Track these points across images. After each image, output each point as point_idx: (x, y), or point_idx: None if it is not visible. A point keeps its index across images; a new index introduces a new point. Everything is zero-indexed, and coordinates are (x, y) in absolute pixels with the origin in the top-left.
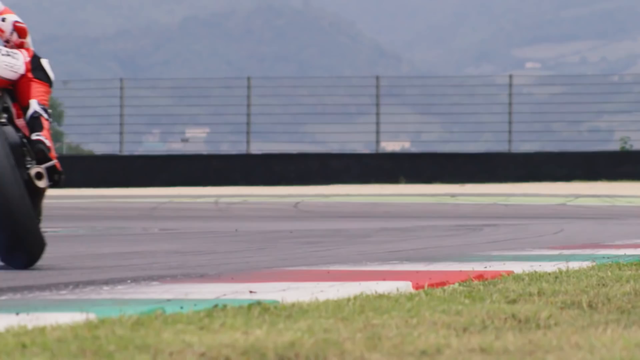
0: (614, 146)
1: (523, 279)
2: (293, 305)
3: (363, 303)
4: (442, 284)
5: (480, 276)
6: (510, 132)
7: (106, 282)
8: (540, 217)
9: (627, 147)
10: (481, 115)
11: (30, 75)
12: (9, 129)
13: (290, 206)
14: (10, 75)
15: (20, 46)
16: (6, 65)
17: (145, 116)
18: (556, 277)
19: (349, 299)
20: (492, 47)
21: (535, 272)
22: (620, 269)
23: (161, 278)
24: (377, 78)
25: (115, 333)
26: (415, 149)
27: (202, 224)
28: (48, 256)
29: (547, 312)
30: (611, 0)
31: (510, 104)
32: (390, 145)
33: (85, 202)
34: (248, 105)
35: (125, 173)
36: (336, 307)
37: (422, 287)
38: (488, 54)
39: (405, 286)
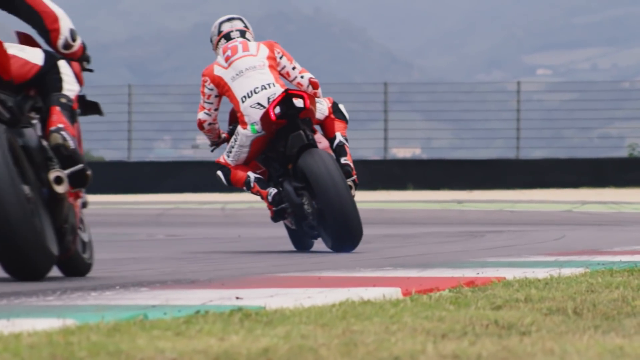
0: (623, 153)
1: (513, 285)
2: (275, 311)
3: (347, 309)
4: (432, 290)
5: (471, 282)
6: (518, 138)
7: (94, 288)
8: (545, 224)
9: (636, 153)
10: (491, 121)
11: (332, 116)
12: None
13: None
14: (320, 116)
15: (314, 96)
16: (318, 110)
17: (156, 123)
18: (546, 284)
19: (333, 305)
20: (503, 54)
21: (526, 278)
22: (612, 275)
23: (150, 284)
24: (386, 84)
25: (90, 339)
26: (426, 155)
27: (207, 230)
28: None
29: (531, 318)
30: (622, 7)
31: (518, 110)
32: (402, 152)
33: (91, 209)
34: None
35: (133, 179)
36: (318, 314)
37: (411, 293)
38: (499, 60)
39: (394, 292)
